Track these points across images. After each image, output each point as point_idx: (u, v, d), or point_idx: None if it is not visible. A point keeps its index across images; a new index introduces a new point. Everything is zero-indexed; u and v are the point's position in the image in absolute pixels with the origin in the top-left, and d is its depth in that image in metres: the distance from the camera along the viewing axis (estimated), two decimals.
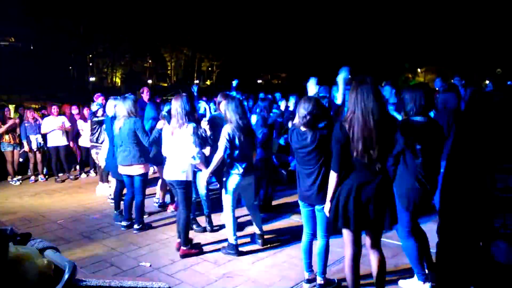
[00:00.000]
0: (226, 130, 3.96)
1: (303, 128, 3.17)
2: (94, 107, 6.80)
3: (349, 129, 2.62)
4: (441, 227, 1.08)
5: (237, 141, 3.95)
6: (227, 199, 4.14)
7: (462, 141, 1.03)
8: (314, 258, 3.39)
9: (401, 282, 3.30)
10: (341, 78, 3.58)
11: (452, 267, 1.09)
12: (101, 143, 6.39)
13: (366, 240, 2.89)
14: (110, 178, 6.56)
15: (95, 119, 6.57)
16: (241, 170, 4.02)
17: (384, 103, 2.77)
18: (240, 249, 4.19)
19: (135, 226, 4.92)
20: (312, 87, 4.31)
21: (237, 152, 3.99)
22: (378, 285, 2.87)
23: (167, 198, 5.98)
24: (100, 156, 6.33)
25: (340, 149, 2.67)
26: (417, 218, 3.22)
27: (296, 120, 3.28)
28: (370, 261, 2.90)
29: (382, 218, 2.73)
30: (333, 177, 2.77)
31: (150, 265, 3.97)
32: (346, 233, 2.85)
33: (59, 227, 5.27)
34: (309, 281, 3.40)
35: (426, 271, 3.23)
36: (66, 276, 1.54)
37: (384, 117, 2.64)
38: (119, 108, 4.91)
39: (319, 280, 3.32)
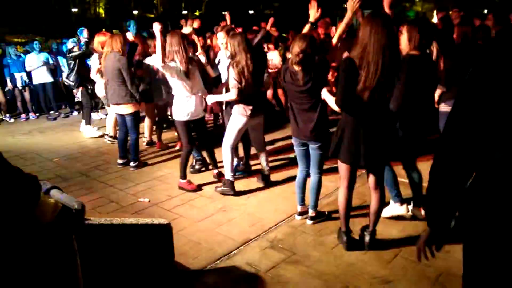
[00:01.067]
0: (235, 70, 3.80)
1: (296, 67, 3.12)
2: (69, 44, 6.62)
3: (360, 66, 2.56)
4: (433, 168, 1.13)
5: (244, 82, 3.81)
6: (228, 137, 4.07)
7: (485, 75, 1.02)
8: (307, 192, 3.54)
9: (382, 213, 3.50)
10: (350, 5, 3.16)
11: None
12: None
13: (369, 179, 2.97)
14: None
15: (71, 54, 6.41)
16: (248, 112, 3.94)
17: (397, 40, 2.71)
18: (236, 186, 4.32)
19: (131, 164, 5.01)
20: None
21: (244, 93, 3.86)
22: (373, 219, 3.00)
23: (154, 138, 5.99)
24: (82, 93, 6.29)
25: (347, 84, 2.62)
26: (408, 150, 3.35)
27: (289, 58, 3.21)
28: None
29: (381, 154, 2.81)
30: (336, 109, 2.80)
31: (149, 201, 4.12)
32: (343, 167, 2.93)
33: (55, 166, 5.35)
34: (301, 213, 3.58)
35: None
36: (77, 215, 1.62)
37: (396, 55, 2.61)
38: (106, 45, 4.78)
39: (311, 213, 3.50)
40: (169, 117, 6.00)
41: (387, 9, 3.10)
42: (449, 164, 1.12)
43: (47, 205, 1.57)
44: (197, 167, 4.85)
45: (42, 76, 7.84)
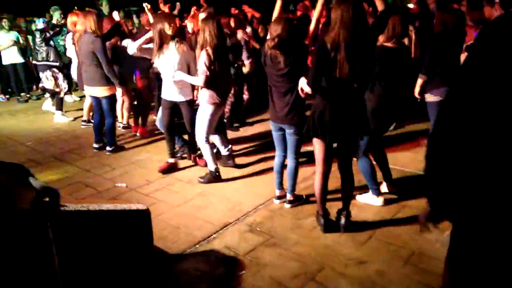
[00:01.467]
0: (205, 55, 3.73)
1: (275, 51, 3.10)
2: (39, 24, 6.31)
3: (332, 48, 2.61)
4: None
5: (215, 68, 3.77)
6: (200, 129, 4.00)
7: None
8: (285, 176, 3.58)
9: (358, 197, 3.60)
10: None
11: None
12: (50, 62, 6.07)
13: (338, 162, 3.06)
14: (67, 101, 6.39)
15: (40, 36, 6.19)
16: (218, 100, 3.92)
17: (367, 22, 2.75)
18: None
19: (108, 148, 4.92)
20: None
21: (215, 80, 3.82)
22: (344, 199, 3.12)
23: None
24: (59, 81, 6.01)
25: (319, 65, 2.68)
26: (377, 139, 3.47)
27: (268, 42, 3.19)
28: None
29: (354, 131, 2.89)
30: (307, 90, 2.80)
31: (126, 186, 4.08)
32: (318, 150, 2.99)
33: (28, 149, 5.21)
34: (279, 198, 3.63)
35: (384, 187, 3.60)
36: (51, 201, 1.59)
37: (367, 36, 2.67)
38: (78, 24, 4.59)
39: (289, 197, 3.55)
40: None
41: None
42: (445, 155, 1.14)
43: (22, 192, 1.54)
44: (178, 154, 4.77)
45: (12, 57, 7.52)
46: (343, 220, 3.09)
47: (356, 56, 2.61)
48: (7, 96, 8.02)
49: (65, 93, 6.37)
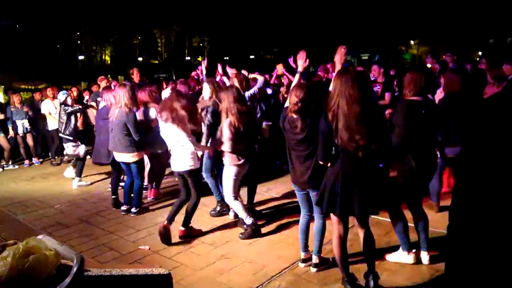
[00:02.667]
0: (228, 122, 3.94)
1: (294, 115, 3.18)
2: (61, 96, 6.47)
3: (333, 119, 2.68)
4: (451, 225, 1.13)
5: (238, 133, 3.94)
6: (227, 189, 4.16)
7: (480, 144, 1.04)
8: (310, 237, 3.49)
9: (388, 257, 3.44)
10: (338, 58, 3.27)
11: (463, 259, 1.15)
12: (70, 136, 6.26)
13: (355, 220, 2.98)
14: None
15: (66, 109, 6.26)
16: (241, 162, 4.05)
17: (369, 92, 2.83)
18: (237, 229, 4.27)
19: (133, 210, 4.98)
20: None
21: (238, 143, 3.98)
22: (368, 261, 2.99)
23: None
24: (81, 149, 6.27)
25: (324, 139, 2.78)
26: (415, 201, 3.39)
27: (287, 106, 3.28)
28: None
29: (368, 203, 2.81)
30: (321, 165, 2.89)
31: (149, 248, 4.05)
32: (332, 216, 2.98)
33: (56, 212, 5.32)
34: (304, 260, 3.50)
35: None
36: (75, 268, 1.59)
37: (368, 105, 2.71)
38: (116, 96, 4.83)
39: (315, 259, 3.42)
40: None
41: (339, 66, 3.18)
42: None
43: (48, 258, 1.56)
44: (218, 208, 4.81)
45: (55, 122, 7.99)
46: (371, 283, 2.93)
47: (355, 125, 2.62)
48: (41, 160, 8.38)
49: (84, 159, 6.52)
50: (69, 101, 6.38)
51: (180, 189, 4.30)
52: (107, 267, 2.41)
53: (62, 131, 6.32)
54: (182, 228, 4.21)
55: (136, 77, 7.34)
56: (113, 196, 5.35)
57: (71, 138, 6.27)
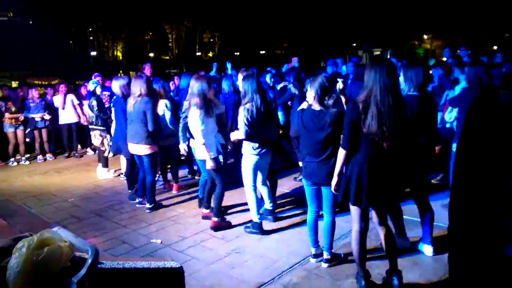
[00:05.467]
0: (245, 111, 3.89)
1: (318, 107, 3.17)
2: (91, 86, 6.54)
3: (364, 108, 2.64)
4: (451, 225, 1.12)
5: (255, 122, 3.89)
6: (245, 178, 4.12)
7: (472, 137, 1.03)
8: (320, 232, 3.47)
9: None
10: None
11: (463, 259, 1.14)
12: (102, 125, 6.30)
13: (373, 216, 2.96)
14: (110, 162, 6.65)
15: (94, 100, 6.28)
16: (256, 151, 4.00)
17: (398, 82, 2.80)
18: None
19: (147, 205, 4.98)
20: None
21: (255, 133, 3.93)
22: (390, 260, 2.96)
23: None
24: (105, 141, 6.33)
25: (352, 127, 2.72)
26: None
27: (310, 100, 3.27)
28: (379, 235, 2.99)
29: (391, 194, 2.81)
30: (341, 153, 2.84)
31: (161, 242, 4.08)
32: (354, 209, 2.92)
33: (70, 206, 5.39)
34: (315, 256, 3.49)
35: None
36: (90, 260, 1.61)
37: (399, 95, 2.73)
38: (134, 87, 4.84)
39: (326, 255, 3.41)
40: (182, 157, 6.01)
41: None
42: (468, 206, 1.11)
43: (62, 249, 1.58)
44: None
45: (69, 117, 8.11)
46: (396, 282, 2.90)
47: (385, 116, 2.61)
48: (54, 156, 8.49)
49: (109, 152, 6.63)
50: (98, 91, 6.39)
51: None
52: (120, 260, 2.44)
53: (92, 123, 6.35)
54: (215, 219, 4.26)
55: (148, 71, 7.36)
56: (130, 190, 5.43)
57: (104, 128, 6.31)
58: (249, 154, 4.03)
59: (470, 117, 1.11)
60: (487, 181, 1.05)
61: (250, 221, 4.19)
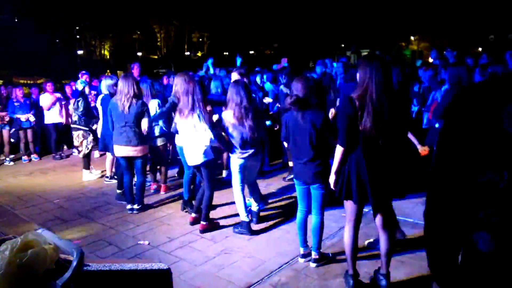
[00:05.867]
0: (227, 116, 3.92)
1: (300, 109, 3.18)
2: (79, 85, 6.43)
3: (360, 105, 2.61)
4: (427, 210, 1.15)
5: (239, 127, 3.91)
6: (235, 179, 4.15)
7: (449, 135, 1.06)
8: (309, 233, 3.48)
9: None
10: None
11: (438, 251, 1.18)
12: (85, 125, 6.20)
13: (376, 219, 2.96)
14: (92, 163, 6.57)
15: (82, 99, 6.15)
16: (245, 155, 4.02)
17: (392, 78, 2.78)
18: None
19: (135, 206, 4.91)
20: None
21: (239, 137, 3.95)
22: (386, 261, 2.97)
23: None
24: (85, 142, 6.23)
25: (348, 123, 2.66)
26: None
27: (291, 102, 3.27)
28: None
29: (387, 191, 2.80)
30: (339, 151, 2.79)
31: (149, 243, 4.04)
32: (349, 205, 2.91)
33: (56, 207, 5.31)
34: (304, 256, 3.50)
35: None
36: (75, 263, 1.58)
37: (394, 91, 2.71)
38: (124, 87, 4.68)
39: (314, 255, 3.42)
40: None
41: None
42: (444, 206, 1.14)
43: (47, 252, 1.55)
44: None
45: (54, 117, 7.98)
46: (383, 282, 2.92)
47: (380, 113, 2.60)
48: (39, 157, 8.35)
49: (90, 151, 6.49)
50: (86, 91, 6.29)
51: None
52: (107, 262, 2.41)
53: (78, 122, 6.22)
54: (203, 222, 4.23)
55: (136, 71, 7.28)
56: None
57: (87, 128, 6.21)
58: (235, 156, 4.07)
59: (449, 118, 1.13)
60: (464, 177, 1.08)
61: (240, 223, 4.19)
